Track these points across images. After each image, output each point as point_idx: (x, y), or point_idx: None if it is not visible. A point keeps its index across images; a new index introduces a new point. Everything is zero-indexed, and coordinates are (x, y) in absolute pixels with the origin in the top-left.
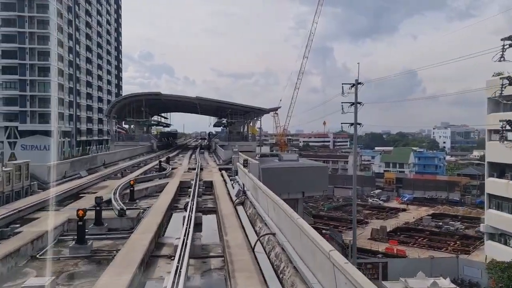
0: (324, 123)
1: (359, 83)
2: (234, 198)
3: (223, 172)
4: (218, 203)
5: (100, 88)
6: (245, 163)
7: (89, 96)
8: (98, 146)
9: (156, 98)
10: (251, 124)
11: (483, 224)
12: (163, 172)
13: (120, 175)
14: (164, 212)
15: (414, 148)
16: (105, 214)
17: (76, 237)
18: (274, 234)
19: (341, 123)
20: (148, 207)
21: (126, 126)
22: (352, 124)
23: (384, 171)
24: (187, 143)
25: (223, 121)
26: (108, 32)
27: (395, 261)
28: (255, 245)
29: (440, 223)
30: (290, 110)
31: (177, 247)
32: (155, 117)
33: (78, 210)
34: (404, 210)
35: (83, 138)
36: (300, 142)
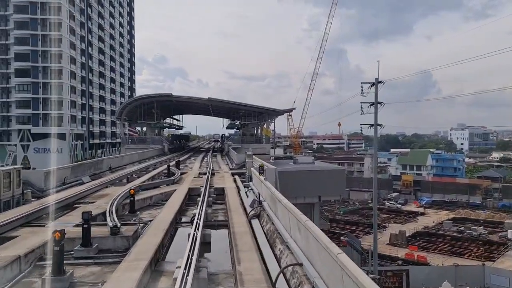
0: (339, 124)
1: (380, 82)
2: (248, 209)
3: (236, 177)
4: (230, 215)
5: (113, 91)
6: (261, 170)
7: (102, 98)
8: (111, 148)
9: (167, 99)
10: (264, 126)
11: (510, 230)
12: (171, 178)
13: (125, 180)
14: (166, 229)
15: (432, 150)
16: (97, 231)
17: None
18: (300, 265)
19: (361, 124)
20: (150, 220)
21: (138, 129)
22: (372, 126)
23: (401, 173)
24: (200, 146)
25: (236, 123)
26: (121, 35)
27: (417, 268)
28: (276, 280)
29: (462, 228)
30: (304, 111)
31: (177, 280)
32: (168, 120)
33: (55, 232)
34: (423, 214)
35: (96, 140)
36: (314, 144)
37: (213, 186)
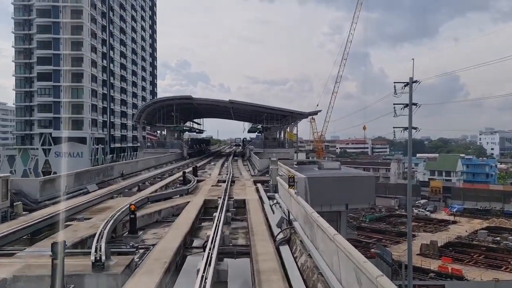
0: (364, 128)
1: (415, 82)
2: (274, 229)
3: (259, 185)
4: (253, 240)
5: (134, 95)
6: (291, 182)
7: (123, 102)
8: (132, 152)
9: (187, 102)
10: (288, 129)
11: None
12: (185, 187)
13: (136, 189)
14: (169, 261)
15: (461, 155)
16: (77, 265)
17: None
18: None
19: (394, 128)
20: (153, 244)
21: (160, 132)
22: (406, 129)
23: (429, 179)
24: (221, 150)
25: (258, 127)
26: (142, 38)
27: (453, 284)
28: None
29: (498, 238)
30: (327, 115)
31: None
32: (188, 123)
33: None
34: (454, 222)
35: (117, 145)
36: (337, 148)
37: (232, 198)
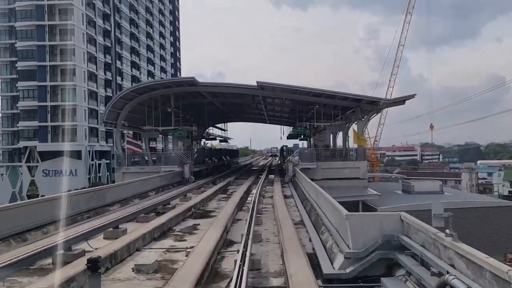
0: (431, 126)
1: None
2: None
3: None
4: None
5: None
6: None
7: None
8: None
9: (191, 91)
10: (354, 129)
11: None
12: None
13: None
14: None
15: None
16: None
17: None
18: None
19: None
20: None
21: (159, 140)
22: None
23: (510, 192)
24: (252, 163)
25: (303, 127)
26: (161, 46)
27: None
28: None
29: None
30: (382, 117)
31: None
32: (210, 130)
33: None
34: None
35: None
36: (386, 157)
37: None
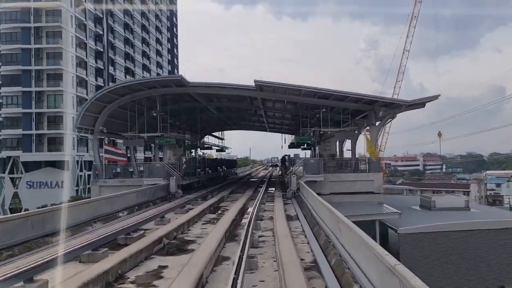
0: (440, 134)
1: None
2: None
3: None
4: None
5: None
6: None
7: None
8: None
9: (180, 92)
10: (367, 135)
11: None
12: None
13: None
14: None
15: None
16: None
17: None
18: None
19: None
20: None
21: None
22: None
23: None
24: (251, 174)
25: (308, 133)
26: (158, 53)
27: None
28: None
29: None
30: (387, 125)
31: None
32: (207, 139)
33: None
34: None
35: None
36: (390, 166)
37: None
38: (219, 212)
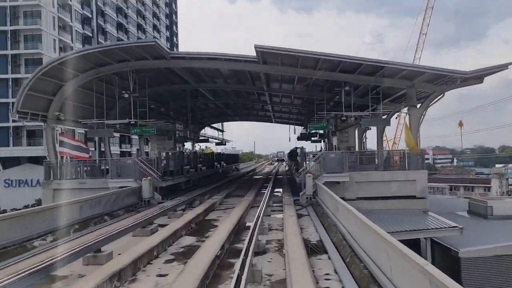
0: (461, 124)
1: None
2: None
3: None
4: None
5: None
6: None
7: None
8: None
9: (161, 67)
10: (405, 121)
11: None
12: None
13: None
14: None
15: None
16: None
17: None
18: None
19: None
20: None
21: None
22: None
23: None
24: (255, 170)
25: (326, 119)
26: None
27: None
28: None
29: None
30: (399, 116)
31: None
32: (205, 131)
33: None
34: None
35: None
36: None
37: None
38: (202, 231)
